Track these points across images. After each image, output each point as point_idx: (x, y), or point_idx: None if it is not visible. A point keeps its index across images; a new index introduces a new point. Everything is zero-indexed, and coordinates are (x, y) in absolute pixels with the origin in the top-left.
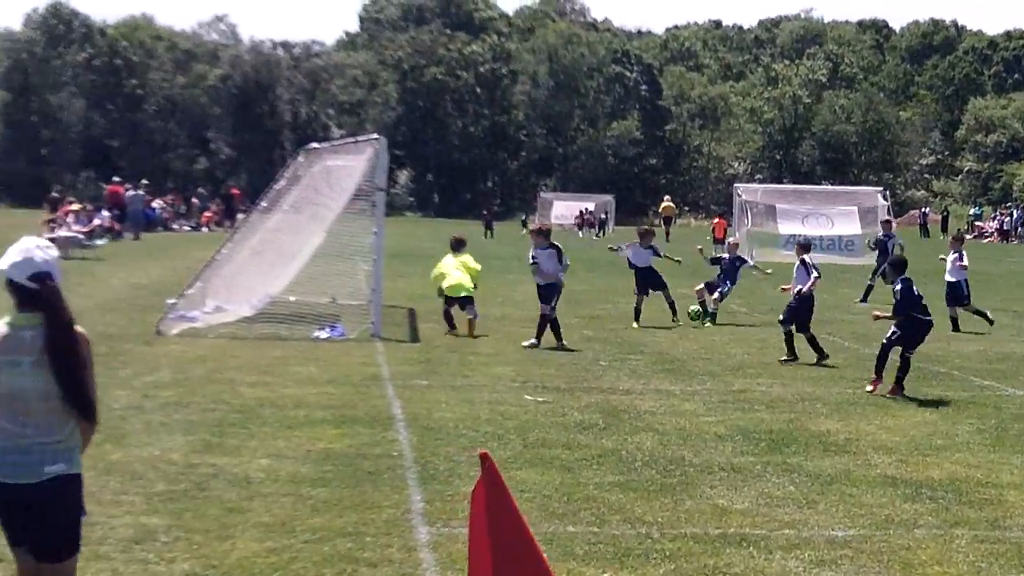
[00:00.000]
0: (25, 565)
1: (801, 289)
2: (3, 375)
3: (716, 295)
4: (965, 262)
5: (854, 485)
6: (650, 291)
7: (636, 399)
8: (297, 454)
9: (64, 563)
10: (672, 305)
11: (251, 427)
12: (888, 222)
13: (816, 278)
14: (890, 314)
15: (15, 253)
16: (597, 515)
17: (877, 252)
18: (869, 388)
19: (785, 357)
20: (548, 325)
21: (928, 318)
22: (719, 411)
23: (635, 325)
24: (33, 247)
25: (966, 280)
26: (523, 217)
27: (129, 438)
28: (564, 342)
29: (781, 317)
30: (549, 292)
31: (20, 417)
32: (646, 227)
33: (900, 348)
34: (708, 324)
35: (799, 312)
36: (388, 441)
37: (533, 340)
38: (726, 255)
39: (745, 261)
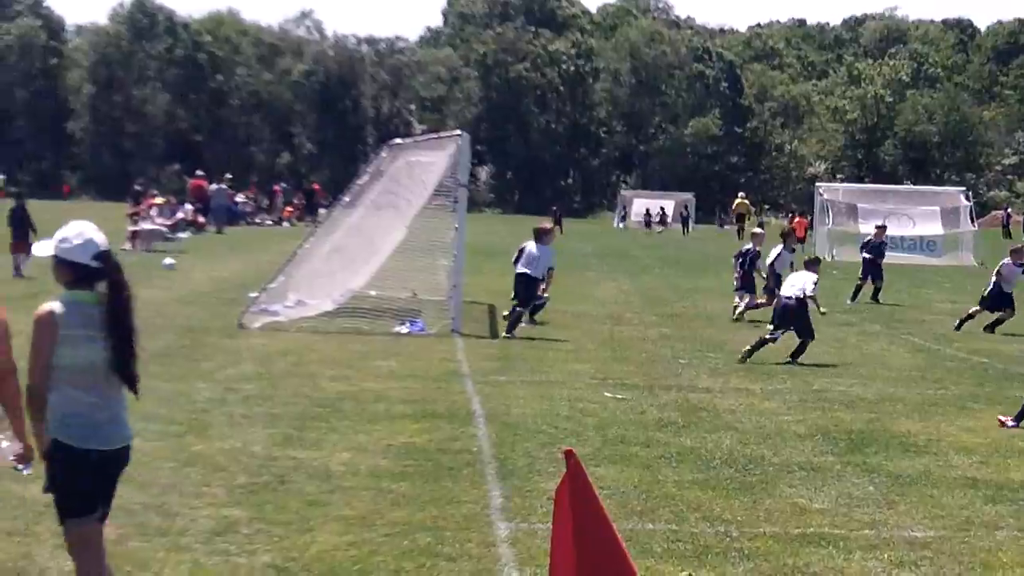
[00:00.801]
0: (89, 533)
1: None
2: (82, 349)
3: (748, 300)
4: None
5: (934, 486)
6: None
7: (715, 397)
8: (377, 448)
9: None
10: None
11: (332, 421)
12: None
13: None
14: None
15: (73, 237)
16: (676, 513)
17: (869, 254)
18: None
19: (745, 354)
20: (515, 317)
21: None
22: (799, 410)
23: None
24: (91, 229)
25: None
26: (621, 212)
27: (211, 430)
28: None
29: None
30: (533, 289)
31: (92, 387)
32: (785, 228)
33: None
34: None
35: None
36: (468, 436)
37: (506, 334)
38: (751, 245)
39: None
